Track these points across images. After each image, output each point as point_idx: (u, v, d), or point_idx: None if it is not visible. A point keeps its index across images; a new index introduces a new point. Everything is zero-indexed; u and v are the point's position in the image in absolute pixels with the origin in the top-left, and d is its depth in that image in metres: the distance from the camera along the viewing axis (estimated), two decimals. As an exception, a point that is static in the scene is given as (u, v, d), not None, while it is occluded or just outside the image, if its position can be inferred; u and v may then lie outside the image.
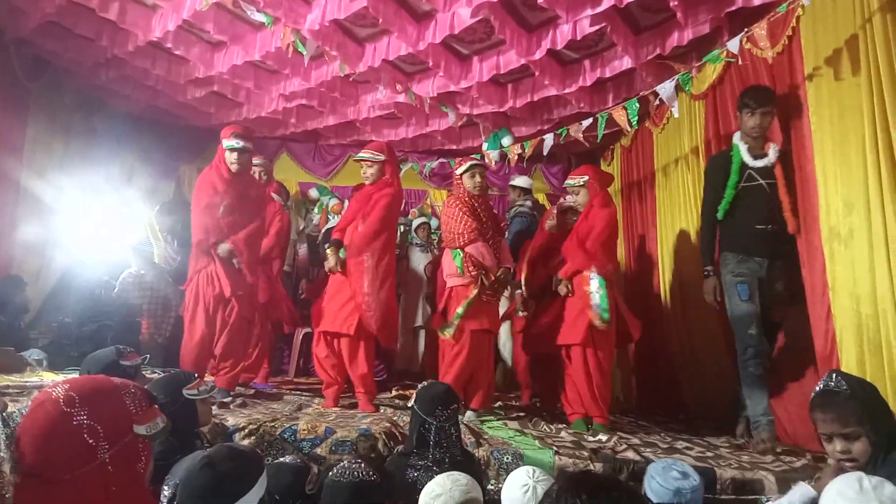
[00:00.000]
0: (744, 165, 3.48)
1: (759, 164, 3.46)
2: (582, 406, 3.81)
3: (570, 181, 4.22)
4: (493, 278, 3.92)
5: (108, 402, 1.37)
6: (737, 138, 3.56)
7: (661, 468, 2.19)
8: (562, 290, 3.94)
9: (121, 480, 1.32)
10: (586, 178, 4.11)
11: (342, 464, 1.95)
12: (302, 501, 1.94)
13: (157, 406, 1.47)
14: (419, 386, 2.62)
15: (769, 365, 3.49)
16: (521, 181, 5.85)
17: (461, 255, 3.93)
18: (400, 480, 2.26)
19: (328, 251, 4.07)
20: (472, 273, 3.88)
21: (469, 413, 3.80)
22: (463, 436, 3.08)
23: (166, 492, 1.81)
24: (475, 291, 3.85)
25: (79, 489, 1.27)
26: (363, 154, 4.14)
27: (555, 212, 5.20)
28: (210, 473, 1.45)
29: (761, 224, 3.47)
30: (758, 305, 3.45)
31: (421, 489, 1.93)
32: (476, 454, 2.83)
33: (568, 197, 4.77)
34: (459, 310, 3.83)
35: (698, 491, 2.09)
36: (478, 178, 4.03)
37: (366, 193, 4.10)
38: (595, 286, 3.76)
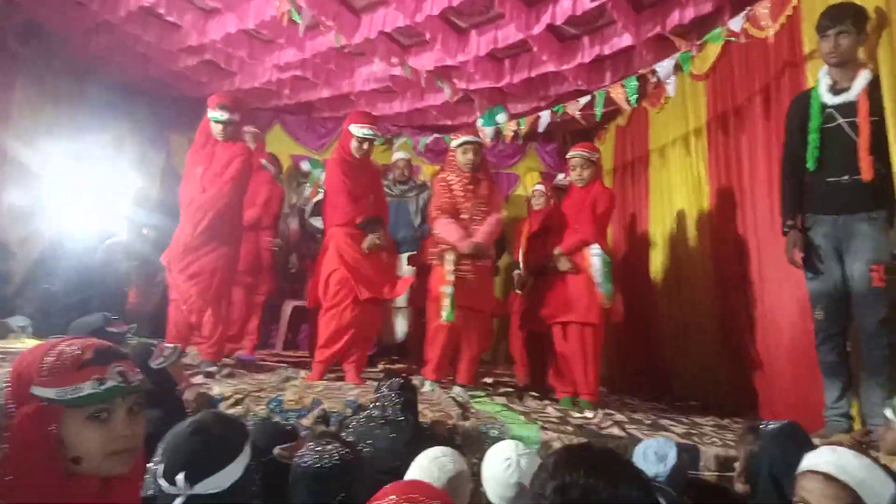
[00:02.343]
0: (823, 104, 2.85)
1: (838, 100, 2.81)
2: (572, 383, 3.80)
3: (582, 152, 3.92)
4: (461, 255, 3.73)
5: (24, 357, 1.23)
6: (821, 72, 2.92)
7: (642, 451, 2.23)
8: (564, 265, 3.80)
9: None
10: (598, 154, 4.03)
11: (308, 445, 1.84)
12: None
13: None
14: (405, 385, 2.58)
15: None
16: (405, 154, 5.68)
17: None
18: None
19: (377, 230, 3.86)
20: (440, 250, 3.79)
21: (456, 388, 3.79)
22: (449, 408, 3.10)
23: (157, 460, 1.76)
24: (451, 275, 3.67)
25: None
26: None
27: (541, 189, 5.17)
28: (200, 439, 1.40)
29: (834, 175, 2.83)
30: (833, 277, 2.85)
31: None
32: (464, 426, 2.85)
33: (565, 175, 4.72)
34: (446, 290, 3.65)
35: (666, 475, 2.11)
36: (470, 156, 3.83)
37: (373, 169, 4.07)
38: (599, 263, 3.71)
